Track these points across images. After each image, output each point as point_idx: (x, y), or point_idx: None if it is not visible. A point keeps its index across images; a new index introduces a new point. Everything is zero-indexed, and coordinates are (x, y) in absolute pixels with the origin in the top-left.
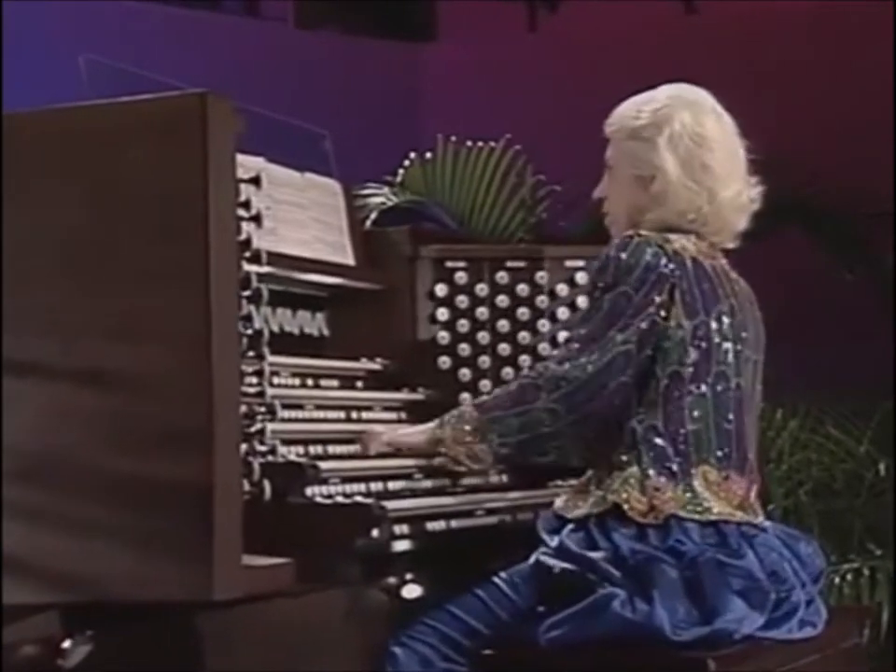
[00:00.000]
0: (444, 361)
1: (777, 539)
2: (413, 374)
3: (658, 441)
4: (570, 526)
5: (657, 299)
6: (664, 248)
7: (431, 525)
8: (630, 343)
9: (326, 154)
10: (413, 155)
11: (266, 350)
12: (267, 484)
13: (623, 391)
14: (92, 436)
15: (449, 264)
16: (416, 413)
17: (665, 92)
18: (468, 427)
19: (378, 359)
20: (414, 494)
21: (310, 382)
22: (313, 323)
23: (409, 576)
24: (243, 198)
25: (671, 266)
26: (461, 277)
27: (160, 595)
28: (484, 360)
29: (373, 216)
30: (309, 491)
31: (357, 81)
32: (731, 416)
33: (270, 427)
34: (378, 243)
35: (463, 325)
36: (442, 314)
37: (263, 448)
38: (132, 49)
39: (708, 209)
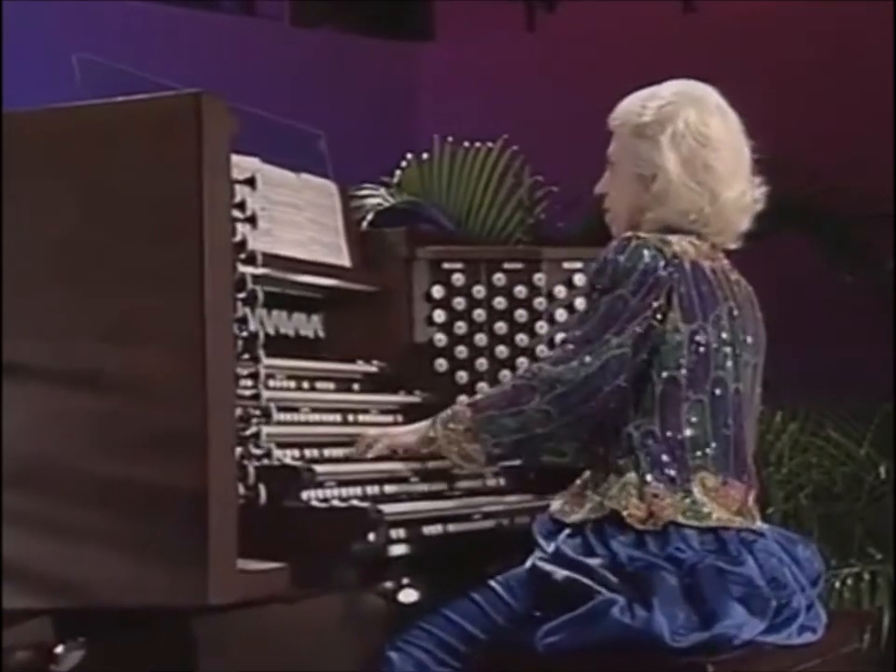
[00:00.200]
0: (441, 364)
1: (776, 544)
2: (410, 377)
3: (655, 446)
4: (567, 532)
5: (654, 303)
6: (662, 251)
7: (428, 529)
8: (625, 346)
9: (321, 154)
10: (409, 155)
11: (261, 352)
12: (262, 488)
13: (618, 395)
14: (86, 439)
15: (446, 266)
16: (413, 416)
17: (670, 88)
18: (461, 427)
19: (374, 362)
20: (411, 497)
21: (305, 384)
22: (308, 325)
23: (405, 580)
24: (238, 199)
25: (669, 269)
26: (458, 279)
27: (154, 601)
28: (482, 363)
29: (370, 217)
30: (305, 495)
31: (353, 81)
32: (729, 421)
33: (265, 429)
34: (374, 244)
35: (460, 327)
36: (439, 315)
37: (258, 451)
38: (126, 48)
39: (710, 210)
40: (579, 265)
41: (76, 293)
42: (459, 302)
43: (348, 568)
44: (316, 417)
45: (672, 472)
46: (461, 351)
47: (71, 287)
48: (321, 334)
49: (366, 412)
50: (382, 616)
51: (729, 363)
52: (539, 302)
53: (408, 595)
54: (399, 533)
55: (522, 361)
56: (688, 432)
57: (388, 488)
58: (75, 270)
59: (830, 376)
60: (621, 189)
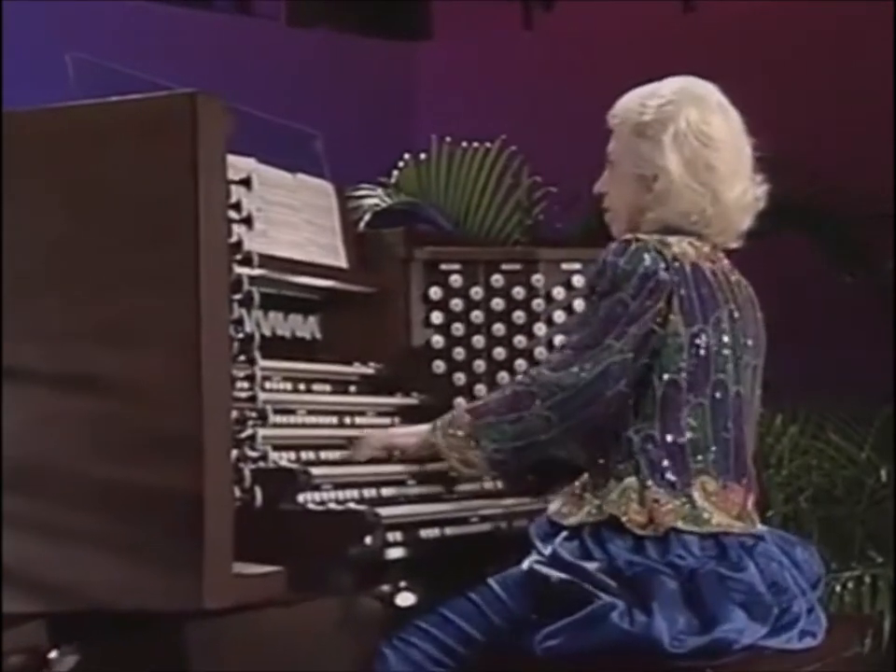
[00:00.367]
0: (438, 365)
1: (776, 547)
2: (407, 379)
3: (655, 451)
4: (564, 534)
5: (654, 306)
6: (662, 253)
7: (425, 532)
8: (626, 351)
9: (318, 155)
10: (407, 156)
11: (257, 354)
12: (258, 491)
13: (620, 399)
14: (80, 442)
15: (443, 267)
16: (410, 418)
17: (670, 86)
18: (461, 433)
19: (371, 363)
20: (408, 500)
21: (302, 386)
22: (305, 326)
23: (402, 583)
24: (233, 199)
25: (669, 272)
26: (456, 280)
27: (149, 605)
28: (479, 364)
29: (367, 217)
30: (301, 497)
31: (350, 80)
32: (730, 425)
33: (261, 432)
34: (371, 245)
35: (458, 328)
36: (437, 317)
37: (254, 454)
38: (122, 47)
39: (712, 210)
40: (577, 266)
41: (69, 294)
42: (457, 304)
43: (345, 572)
44: (313, 419)
45: (672, 477)
46: (459, 353)
47: (65, 288)
48: (318, 336)
49: (363, 414)
50: (379, 620)
51: (729, 366)
52: (538, 304)
53: (405, 599)
54: (395, 536)
55: (520, 363)
56: (688, 436)
57: (385, 491)
58: (68, 271)
59: (830, 377)
60: (620, 189)
